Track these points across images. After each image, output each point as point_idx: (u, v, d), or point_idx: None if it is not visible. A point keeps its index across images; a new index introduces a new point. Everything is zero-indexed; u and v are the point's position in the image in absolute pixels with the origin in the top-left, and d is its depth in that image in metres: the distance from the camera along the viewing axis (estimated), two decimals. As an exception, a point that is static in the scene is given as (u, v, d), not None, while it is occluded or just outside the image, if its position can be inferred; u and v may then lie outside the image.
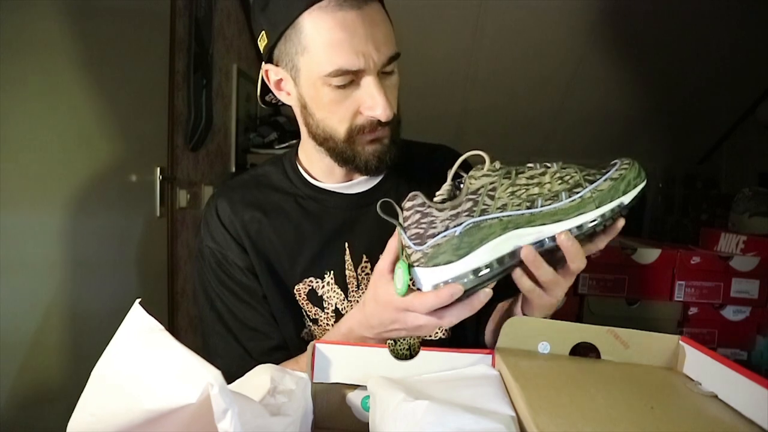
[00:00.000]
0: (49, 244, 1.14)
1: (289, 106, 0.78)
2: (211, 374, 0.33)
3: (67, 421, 0.38)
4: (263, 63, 0.71)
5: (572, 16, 2.19)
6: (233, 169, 2.25)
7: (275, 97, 0.77)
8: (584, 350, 0.53)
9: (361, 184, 0.77)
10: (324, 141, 0.69)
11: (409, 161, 0.78)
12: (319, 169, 0.77)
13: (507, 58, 2.39)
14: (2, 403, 1.00)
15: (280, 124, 2.45)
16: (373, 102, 0.63)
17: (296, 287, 0.75)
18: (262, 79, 0.74)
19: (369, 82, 0.63)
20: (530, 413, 0.39)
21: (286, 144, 2.37)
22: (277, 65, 0.69)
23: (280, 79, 0.70)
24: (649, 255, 1.78)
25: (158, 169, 1.60)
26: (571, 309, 1.84)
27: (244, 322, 0.74)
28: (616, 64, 2.43)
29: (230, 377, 0.78)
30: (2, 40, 0.99)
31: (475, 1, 2.14)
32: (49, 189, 1.14)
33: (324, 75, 0.62)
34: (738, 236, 1.87)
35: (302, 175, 0.78)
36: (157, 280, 1.64)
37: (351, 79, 0.62)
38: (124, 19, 1.41)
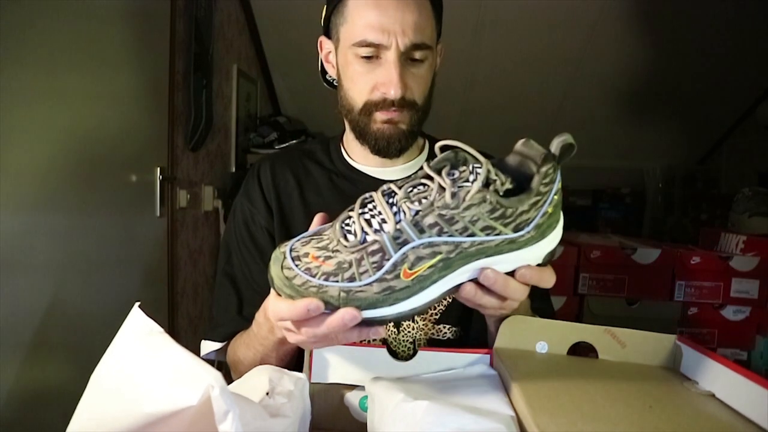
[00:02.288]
0: (49, 244, 1.14)
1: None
2: (212, 376, 0.33)
3: (67, 423, 0.38)
4: (321, 36, 0.78)
5: (572, 16, 2.19)
6: (233, 169, 2.25)
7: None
8: (583, 350, 0.53)
9: (396, 172, 0.78)
10: (347, 113, 0.74)
11: None
12: (355, 149, 0.80)
13: (507, 58, 2.39)
14: (2, 403, 1.00)
15: (280, 124, 2.45)
16: (386, 79, 0.67)
17: None
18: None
19: (388, 60, 0.67)
20: (530, 413, 0.39)
21: (286, 144, 2.37)
22: (329, 38, 0.75)
23: (329, 52, 0.76)
24: (649, 255, 1.78)
25: (158, 169, 1.60)
26: (571, 309, 1.84)
27: (251, 280, 0.77)
28: (615, 65, 2.43)
29: (213, 328, 0.77)
30: (2, 40, 0.99)
31: (475, 1, 2.14)
32: (49, 189, 1.14)
33: (352, 44, 0.68)
34: (738, 236, 1.87)
35: (342, 154, 0.82)
36: (157, 280, 1.64)
37: (375, 53, 0.67)
38: (124, 19, 1.41)
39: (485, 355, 0.53)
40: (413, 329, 0.74)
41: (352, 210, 0.48)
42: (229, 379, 0.39)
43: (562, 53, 2.37)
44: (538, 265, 0.49)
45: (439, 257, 0.44)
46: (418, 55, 0.68)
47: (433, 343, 0.75)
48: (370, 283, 0.43)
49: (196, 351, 0.37)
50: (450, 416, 0.40)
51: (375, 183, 0.76)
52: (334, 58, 0.75)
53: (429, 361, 0.53)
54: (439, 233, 0.44)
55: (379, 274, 0.43)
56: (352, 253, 0.44)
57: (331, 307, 0.44)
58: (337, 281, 0.43)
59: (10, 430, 1.01)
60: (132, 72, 1.46)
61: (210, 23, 1.90)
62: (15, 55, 1.03)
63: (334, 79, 0.81)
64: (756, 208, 2.02)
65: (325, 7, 0.74)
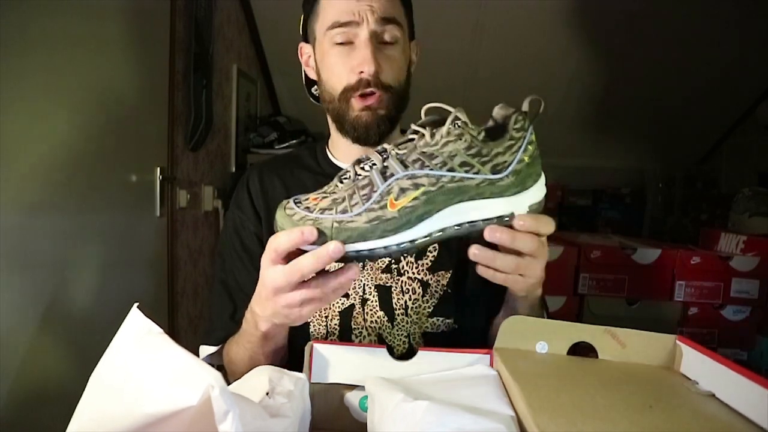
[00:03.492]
0: (50, 244, 1.14)
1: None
2: (212, 376, 0.33)
3: (67, 423, 0.38)
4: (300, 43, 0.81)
5: (572, 16, 2.19)
6: (233, 169, 2.25)
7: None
8: (583, 350, 0.53)
9: None
10: (329, 104, 0.75)
11: None
12: (340, 149, 0.81)
13: (507, 58, 2.39)
14: (2, 403, 1.00)
15: (280, 124, 2.45)
16: (360, 59, 0.69)
17: None
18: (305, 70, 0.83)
19: (360, 40, 0.70)
20: (530, 413, 0.39)
21: (286, 144, 2.36)
22: (308, 42, 0.78)
23: (309, 56, 0.79)
24: (649, 255, 1.78)
25: (158, 169, 1.60)
26: (571, 309, 1.84)
27: (241, 286, 0.78)
28: (615, 65, 2.43)
29: (209, 333, 0.79)
30: (2, 39, 0.99)
31: (475, 1, 2.14)
32: (49, 189, 1.14)
33: (326, 30, 0.71)
34: (738, 236, 1.87)
35: (327, 155, 0.83)
36: (157, 280, 1.64)
37: (349, 38, 0.70)
38: (124, 19, 1.41)
39: (485, 355, 0.53)
40: (407, 323, 0.75)
41: (349, 166, 0.53)
42: (227, 380, 0.39)
43: (562, 53, 2.37)
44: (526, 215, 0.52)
45: (421, 189, 0.48)
46: (387, 35, 0.71)
47: (428, 336, 0.75)
48: (359, 213, 0.48)
49: (196, 351, 0.37)
50: (450, 416, 0.40)
51: None
52: (313, 61, 0.78)
53: (428, 361, 0.53)
54: (421, 167, 0.49)
55: (367, 204, 0.48)
56: (346, 190, 0.49)
57: (323, 239, 0.47)
58: (332, 213, 0.48)
59: (10, 430, 1.01)
60: (132, 72, 1.46)
61: (210, 23, 1.90)
62: (14, 54, 1.02)
63: (318, 92, 0.83)
64: (756, 208, 2.02)
65: (302, 17, 0.78)
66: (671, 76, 2.45)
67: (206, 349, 0.78)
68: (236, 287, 0.79)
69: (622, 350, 0.52)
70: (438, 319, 0.76)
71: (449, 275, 0.76)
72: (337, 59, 0.72)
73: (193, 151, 1.88)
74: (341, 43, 0.71)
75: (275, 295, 0.51)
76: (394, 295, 0.75)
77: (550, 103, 2.61)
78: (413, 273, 0.76)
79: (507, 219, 0.51)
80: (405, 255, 0.61)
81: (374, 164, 0.50)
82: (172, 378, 0.35)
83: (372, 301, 0.75)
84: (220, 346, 0.77)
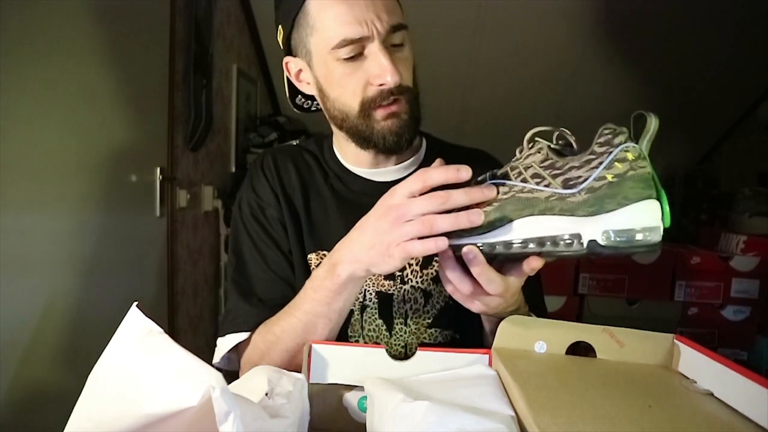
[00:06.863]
0: (49, 244, 1.14)
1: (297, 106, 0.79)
2: (212, 376, 0.33)
3: (65, 423, 0.38)
4: (284, 57, 0.74)
5: (572, 16, 2.19)
6: (233, 169, 2.25)
7: (306, 99, 0.80)
8: (582, 350, 0.53)
9: (390, 173, 0.77)
10: (342, 122, 0.70)
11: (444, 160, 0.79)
12: (346, 151, 0.78)
13: (507, 58, 2.39)
14: (1, 403, 1.00)
15: (280, 124, 2.45)
16: (379, 69, 0.64)
17: (309, 255, 0.75)
18: (288, 80, 0.77)
19: (374, 50, 0.64)
20: (530, 413, 0.39)
21: (286, 144, 2.36)
22: (295, 56, 0.72)
23: (300, 70, 0.73)
24: (649, 255, 1.78)
25: (158, 169, 1.60)
26: (571, 309, 1.84)
27: (268, 270, 0.74)
28: (615, 64, 2.42)
29: (236, 319, 0.73)
30: (2, 40, 0.99)
31: (475, 1, 2.14)
32: (50, 189, 1.14)
33: (331, 48, 0.64)
34: (738, 236, 1.87)
35: (336, 155, 0.80)
36: (157, 280, 1.64)
37: (358, 50, 0.64)
38: (124, 19, 1.41)
39: (483, 355, 0.54)
40: (405, 333, 0.74)
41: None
42: (228, 380, 0.39)
43: (562, 53, 2.37)
44: (602, 246, 0.44)
45: (497, 197, 0.51)
46: (397, 38, 0.66)
47: (425, 347, 0.74)
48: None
49: (195, 351, 0.37)
50: (450, 416, 0.40)
51: (368, 185, 0.77)
52: (308, 75, 0.72)
53: (428, 361, 0.53)
54: (503, 178, 0.52)
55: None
56: None
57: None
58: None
59: (10, 430, 1.01)
60: (132, 72, 1.46)
61: (210, 23, 1.90)
62: (14, 55, 1.03)
63: (303, 102, 0.80)
64: (756, 208, 2.02)
65: (281, 27, 0.71)
66: (671, 75, 2.45)
67: (236, 337, 0.70)
68: (261, 268, 0.75)
69: (620, 350, 0.52)
70: (436, 330, 0.75)
71: None
72: (348, 75, 0.66)
73: (193, 151, 1.88)
74: (349, 58, 0.65)
75: (394, 223, 0.52)
76: (395, 303, 0.74)
77: (549, 103, 2.61)
78: (417, 282, 0.74)
79: (570, 242, 0.45)
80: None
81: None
82: (171, 378, 0.35)
83: (371, 308, 0.74)
84: (250, 333, 0.70)
